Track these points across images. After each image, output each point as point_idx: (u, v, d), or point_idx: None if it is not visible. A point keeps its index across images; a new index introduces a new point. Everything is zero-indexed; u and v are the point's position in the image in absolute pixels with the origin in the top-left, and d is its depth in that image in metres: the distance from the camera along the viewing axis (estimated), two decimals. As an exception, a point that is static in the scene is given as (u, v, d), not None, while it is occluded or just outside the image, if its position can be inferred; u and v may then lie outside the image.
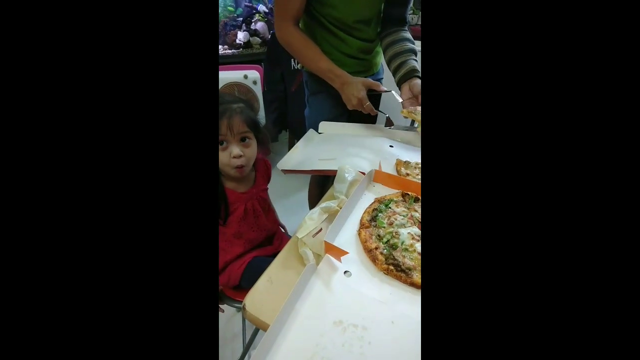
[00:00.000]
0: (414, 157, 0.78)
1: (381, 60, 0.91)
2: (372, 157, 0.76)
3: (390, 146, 0.82)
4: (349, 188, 0.64)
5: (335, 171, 0.67)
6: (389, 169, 0.74)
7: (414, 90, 0.77)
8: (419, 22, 1.53)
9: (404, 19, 0.82)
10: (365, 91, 0.76)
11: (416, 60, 0.79)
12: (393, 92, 0.79)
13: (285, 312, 0.41)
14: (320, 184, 1.09)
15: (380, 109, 0.84)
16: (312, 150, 0.81)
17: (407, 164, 0.75)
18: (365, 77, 0.92)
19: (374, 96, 0.79)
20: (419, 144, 0.83)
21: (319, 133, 0.89)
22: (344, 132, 0.88)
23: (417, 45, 1.56)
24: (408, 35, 0.82)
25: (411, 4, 0.81)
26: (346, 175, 0.66)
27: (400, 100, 0.77)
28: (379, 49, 0.89)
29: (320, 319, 0.42)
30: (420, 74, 0.77)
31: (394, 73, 0.80)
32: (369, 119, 0.86)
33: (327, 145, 0.83)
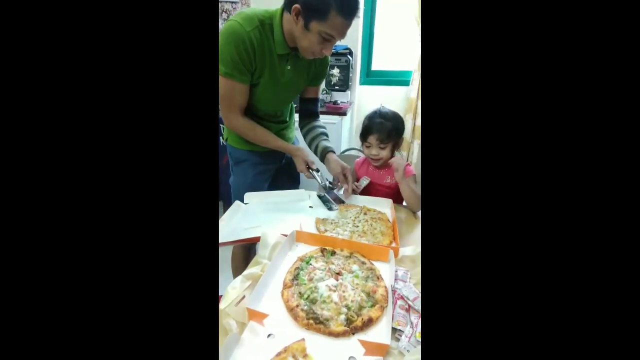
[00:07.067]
0: (331, 214, 0.88)
1: (294, 135, 1.16)
2: (294, 219, 0.83)
3: (310, 207, 0.91)
4: (272, 251, 0.68)
5: (259, 238, 0.71)
6: (311, 228, 0.81)
7: (330, 165, 1.02)
8: (331, 100, 2.03)
9: (316, 113, 1.11)
10: (304, 166, 0.99)
11: (327, 140, 1.08)
12: (315, 172, 0.98)
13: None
14: (246, 247, 1.13)
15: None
16: (238, 221, 0.85)
17: (324, 221, 0.83)
18: None
19: None
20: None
21: (245, 204, 0.94)
22: (269, 200, 0.95)
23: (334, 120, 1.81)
24: (319, 123, 1.11)
25: (319, 102, 1.12)
26: (269, 240, 0.70)
27: (319, 179, 0.97)
28: (292, 126, 1.14)
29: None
30: (331, 149, 1.04)
31: (315, 152, 1.08)
32: (290, 185, 0.95)
33: (252, 214, 0.88)
